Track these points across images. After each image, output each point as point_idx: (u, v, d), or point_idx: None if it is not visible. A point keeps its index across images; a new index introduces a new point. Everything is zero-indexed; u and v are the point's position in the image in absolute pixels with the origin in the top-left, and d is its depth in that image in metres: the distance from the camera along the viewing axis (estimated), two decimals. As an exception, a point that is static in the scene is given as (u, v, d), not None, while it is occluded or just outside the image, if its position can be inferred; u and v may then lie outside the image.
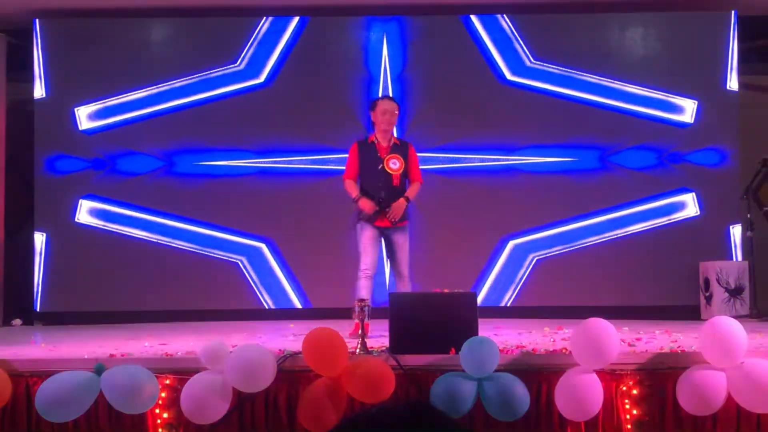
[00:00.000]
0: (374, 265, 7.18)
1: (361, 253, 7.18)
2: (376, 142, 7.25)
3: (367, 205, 7.09)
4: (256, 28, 9.24)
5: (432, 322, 5.64)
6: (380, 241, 7.23)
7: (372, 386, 5.18)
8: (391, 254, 7.23)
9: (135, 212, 9.14)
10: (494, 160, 9.16)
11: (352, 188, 7.21)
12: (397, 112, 7.28)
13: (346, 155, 9.00)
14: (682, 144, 9.08)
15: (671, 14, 9.22)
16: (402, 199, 7.13)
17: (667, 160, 9.09)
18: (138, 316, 8.80)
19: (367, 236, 7.16)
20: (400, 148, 7.28)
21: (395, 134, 7.43)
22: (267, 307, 9.08)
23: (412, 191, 7.25)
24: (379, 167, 7.14)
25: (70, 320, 8.85)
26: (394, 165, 7.13)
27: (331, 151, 9.08)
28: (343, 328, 5.96)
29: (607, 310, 6.60)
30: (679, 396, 5.25)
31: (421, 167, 8.97)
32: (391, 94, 9.14)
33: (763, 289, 8.68)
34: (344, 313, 6.49)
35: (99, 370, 5.31)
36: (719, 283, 8.56)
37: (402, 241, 7.18)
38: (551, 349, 5.75)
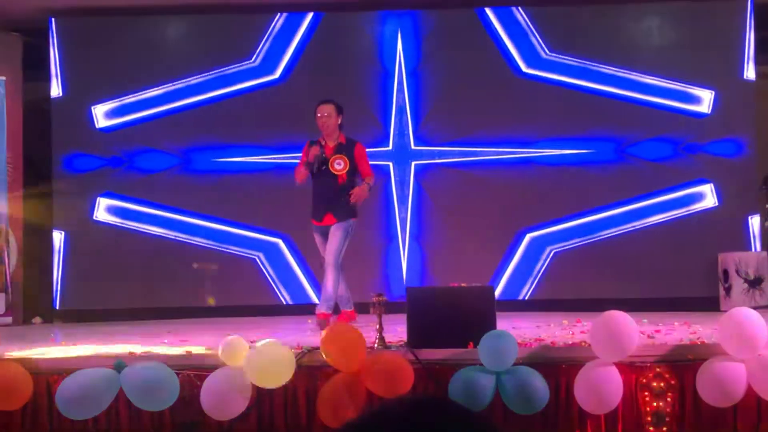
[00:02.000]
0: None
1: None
2: (323, 143, 7.37)
3: (311, 154, 7.27)
4: (271, 24, 9.24)
5: (450, 316, 5.65)
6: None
7: (391, 381, 5.19)
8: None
9: (152, 209, 9.16)
10: (511, 153, 9.14)
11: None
12: (333, 113, 7.35)
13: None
14: (699, 134, 9.03)
15: (687, 4, 9.17)
16: (364, 185, 7.36)
17: (685, 151, 9.05)
18: (157, 313, 8.83)
19: (317, 240, 7.50)
20: (346, 147, 7.39)
21: (343, 133, 7.47)
22: (285, 303, 9.10)
23: (368, 181, 7.43)
24: (323, 168, 7.28)
25: (89, 318, 8.88)
26: (339, 165, 7.28)
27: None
28: (362, 323, 5.96)
29: (625, 303, 6.57)
30: (699, 388, 5.23)
31: (437, 161, 9.02)
32: (405, 89, 9.16)
33: (783, 279, 8.63)
34: (362, 308, 6.50)
35: (119, 367, 5.34)
36: (738, 273, 8.52)
37: (334, 230, 7.31)
38: (570, 342, 5.74)
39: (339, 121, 7.38)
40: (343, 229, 7.32)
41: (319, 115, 7.34)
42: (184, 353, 5.78)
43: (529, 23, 9.15)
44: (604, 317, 5.31)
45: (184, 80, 9.20)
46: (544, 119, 9.10)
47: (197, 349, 5.90)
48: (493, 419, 5.19)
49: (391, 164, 9.18)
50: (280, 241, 9.10)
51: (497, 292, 8.41)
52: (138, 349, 5.99)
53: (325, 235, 7.38)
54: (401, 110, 9.18)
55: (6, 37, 9.24)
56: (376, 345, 5.66)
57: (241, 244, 9.16)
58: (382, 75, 9.24)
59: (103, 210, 9.17)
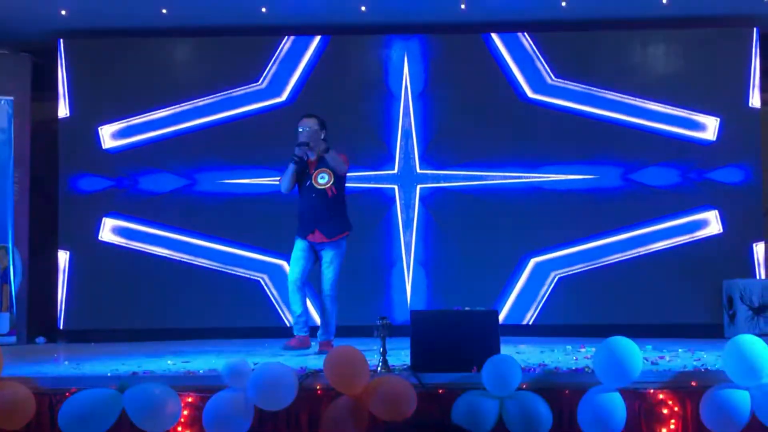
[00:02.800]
0: (302, 277, 7.12)
1: (291, 265, 7.20)
2: (306, 158, 7.14)
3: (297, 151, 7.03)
4: (278, 47, 9.29)
5: (454, 340, 5.64)
6: (311, 255, 7.17)
7: (394, 404, 5.17)
8: (320, 269, 7.19)
9: (158, 230, 9.19)
10: (516, 177, 9.15)
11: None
12: (315, 126, 7.06)
13: (368, 173, 9.07)
14: (704, 161, 9.04)
15: (693, 31, 9.20)
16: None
17: (690, 178, 9.06)
18: (161, 334, 8.83)
19: (298, 248, 7.16)
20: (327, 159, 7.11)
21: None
22: (289, 325, 9.04)
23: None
24: (307, 183, 7.10)
25: (93, 338, 8.89)
26: (322, 180, 7.07)
27: (352, 169, 9.04)
28: (365, 346, 5.95)
29: (629, 328, 6.57)
30: (702, 415, 5.21)
31: (443, 184, 9.06)
32: (411, 113, 9.19)
33: (788, 307, 8.63)
34: (365, 331, 6.49)
35: (122, 387, 5.33)
36: (743, 301, 8.51)
37: (329, 261, 7.12)
38: (574, 368, 5.72)
39: (322, 136, 7.09)
40: (338, 256, 7.15)
41: (300, 129, 7.09)
42: (187, 374, 5.77)
43: (535, 49, 9.19)
44: (608, 343, 5.30)
45: (192, 102, 9.25)
46: (549, 144, 9.12)
47: (200, 370, 5.89)
48: (495, 444, 5.17)
49: (396, 187, 9.20)
50: (284, 263, 9.07)
51: (501, 317, 8.45)
52: (141, 369, 5.98)
53: (309, 250, 7.14)
54: (407, 134, 9.21)
55: (16, 57, 9.29)
56: (379, 368, 5.65)
57: (246, 266, 9.17)
58: (389, 98, 9.27)
59: (108, 230, 9.19)
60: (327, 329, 7.22)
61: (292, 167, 7.07)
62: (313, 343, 7.17)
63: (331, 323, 7.23)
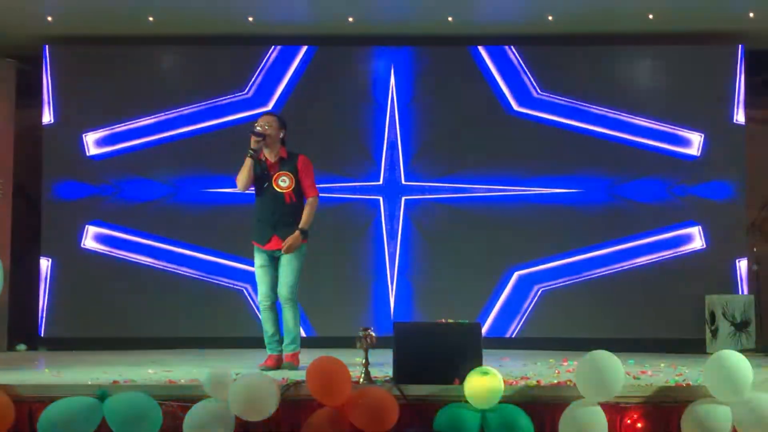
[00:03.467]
0: (271, 294, 6.83)
1: (257, 284, 6.90)
2: (264, 158, 6.82)
3: (252, 142, 6.72)
4: (265, 56, 9.28)
5: (436, 353, 5.64)
6: (273, 267, 6.83)
7: (375, 416, 5.17)
8: (279, 274, 6.81)
9: (141, 239, 9.15)
10: (501, 190, 9.16)
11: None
12: (274, 124, 6.79)
13: (353, 183, 9.00)
14: (688, 177, 9.08)
15: (678, 48, 9.24)
16: (296, 233, 6.69)
17: (674, 193, 9.09)
18: (142, 343, 8.78)
19: (258, 264, 6.85)
20: (288, 162, 6.80)
21: (285, 147, 6.91)
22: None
23: (305, 217, 6.76)
24: (265, 185, 6.77)
25: (74, 346, 8.83)
26: (284, 183, 6.72)
27: (338, 180, 9.10)
28: (348, 357, 5.94)
29: (612, 343, 6.56)
30: (683, 430, 5.22)
31: (428, 196, 9.01)
32: (397, 124, 9.20)
33: (770, 323, 8.66)
34: (348, 342, 6.47)
35: (102, 396, 5.31)
36: (725, 316, 8.54)
37: (287, 261, 6.74)
38: (556, 381, 5.73)
39: (281, 135, 6.81)
40: (297, 260, 6.75)
41: (259, 123, 6.79)
42: (168, 383, 5.75)
43: (522, 62, 9.21)
44: (590, 357, 5.31)
45: (177, 110, 9.22)
46: (534, 158, 9.14)
47: (181, 380, 5.87)
48: (477, 457, 5.17)
49: (381, 199, 9.20)
50: (268, 273, 9.07)
51: (484, 329, 8.44)
52: (122, 378, 5.95)
53: (270, 261, 6.80)
54: (393, 145, 9.21)
55: (0, 63, 9.26)
56: (361, 380, 5.64)
57: (229, 275, 9.14)
58: (375, 110, 9.28)
59: (91, 238, 9.15)
60: (293, 339, 6.77)
61: (248, 162, 6.74)
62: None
63: (295, 332, 6.77)
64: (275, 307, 6.87)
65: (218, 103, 9.23)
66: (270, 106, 9.18)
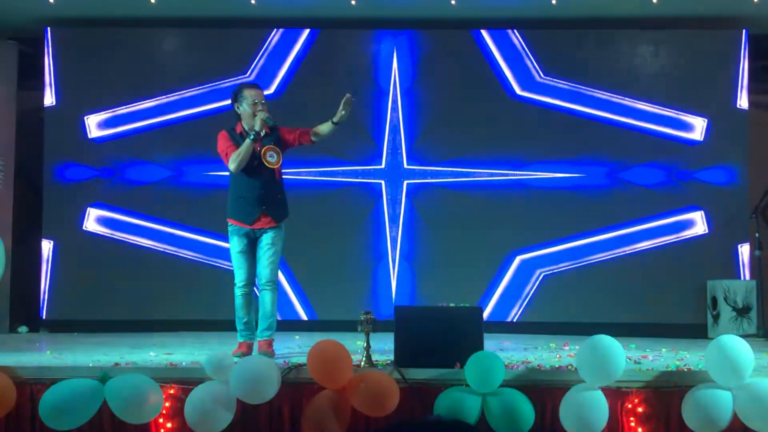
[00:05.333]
0: (251, 279, 6.56)
1: (234, 268, 6.57)
2: (244, 134, 6.50)
3: (258, 122, 6.42)
4: (267, 39, 9.26)
5: (438, 336, 5.65)
6: (253, 249, 6.53)
7: (376, 399, 5.18)
8: (259, 256, 6.52)
9: (142, 221, 9.15)
10: (503, 174, 9.15)
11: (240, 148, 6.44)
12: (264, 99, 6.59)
13: (355, 167, 8.99)
14: (691, 162, 9.06)
15: (682, 32, 9.21)
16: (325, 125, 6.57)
17: (676, 178, 9.07)
18: (144, 325, 8.80)
19: (238, 249, 6.52)
20: (272, 136, 6.55)
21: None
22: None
23: (324, 125, 6.62)
24: (255, 163, 6.44)
25: (75, 328, 8.84)
26: (272, 158, 6.43)
27: (340, 164, 9.09)
28: (349, 341, 5.94)
29: (613, 327, 6.58)
30: (684, 414, 5.23)
31: (430, 180, 9.03)
32: (400, 108, 9.17)
33: (771, 308, 8.66)
34: (350, 326, 6.48)
35: (103, 378, 5.31)
36: (726, 301, 8.54)
37: (271, 241, 6.47)
38: (557, 366, 5.73)
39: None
40: (281, 240, 6.51)
41: (253, 101, 6.48)
42: (169, 366, 5.76)
43: (525, 46, 9.18)
44: (591, 341, 5.31)
45: (179, 93, 9.20)
46: (536, 142, 9.12)
47: (183, 363, 5.88)
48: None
49: (383, 182, 9.18)
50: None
51: (486, 313, 8.44)
52: (123, 360, 5.96)
53: (249, 244, 6.49)
54: (395, 129, 9.19)
55: (2, 44, 9.24)
56: (362, 363, 5.64)
57: (230, 258, 9.11)
58: (377, 93, 9.25)
59: (92, 220, 9.14)
60: (269, 325, 6.49)
61: (250, 144, 6.39)
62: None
63: (272, 318, 6.50)
64: (252, 293, 6.59)
65: (220, 86, 9.20)
66: (272, 90, 9.16)
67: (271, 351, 6.41)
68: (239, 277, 6.52)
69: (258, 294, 6.62)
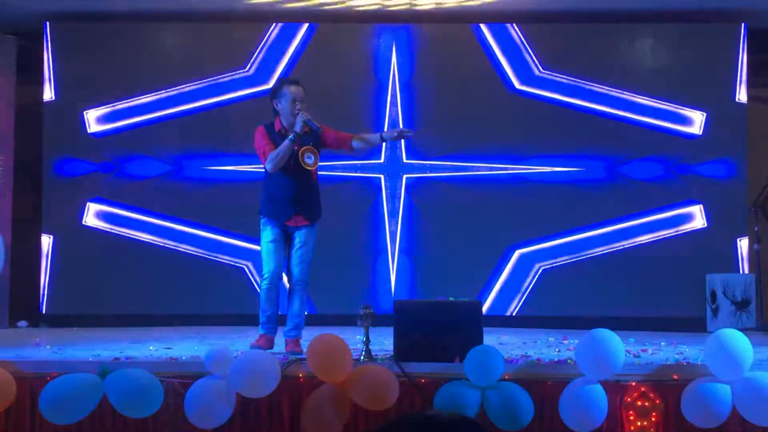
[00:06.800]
0: (281, 271, 6.47)
1: (264, 259, 6.44)
2: (283, 132, 6.35)
3: (297, 122, 6.23)
4: (266, 34, 9.25)
5: (437, 330, 5.65)
6: (285, 245, 6.44)
7: (376, 393, 5.19)
8: (292, 254, 6.43)
9: (142, 216, 9.15)
10: (502, 168, 9.15)
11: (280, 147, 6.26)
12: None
13: (354, 161, 8.96)
14: (690, 156, 9.06)
15: (681, 26, 9.21)
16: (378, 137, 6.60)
17: (675, 172, 9.08)
18: (143, 320, 8.80)
19: (270, 239, 6.40)
20: (311, 135, 6.34)
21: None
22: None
23: (371, 136, 6.67)
24: (291, 162, 6.27)
25: (75, 323, 8.85)
26: (309, 159, 6.26)
27: (339, 158, 9.08)
28: (348, 335, 5.95)
29: (612, 321, 6.59)
30: (683, 408, 5.24)
31: (429, 174, 9.03)
32: (399, 102, 9.17)
33: (770, 302, 8.68)
34: (349, 320, 6.49)
35: (103, 373, 5.32)
36: (726, 295, 8.55)
37: (305, 239, 6.40)
38: (556, 359, 5.74)
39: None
40: (314, 238, 6.42)
41: (293, 99, 6.28)
42: (169, 360, 5.77)
43: (524, 40, 9.17)
44: (590, 335, 5.32)
45: (178, 87, 9.19)
46: (535, 136, 9.12)
47: (183, 357, 5.89)
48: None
49: (382, 177, 9.19)
50: (269, 251, 9.08)
51: (485, 308, 8.45)
52: (123, 355, 5.97)
53: (282, 238, 6.39)
54: (394, 123, 9.18)
55: (0, 39, 9.23)
56: (362, 357, 5.65)
57: (230, 253, 9.15)
58: (376, 87, 9.25)
59: (92, 215, 9.14)
60: (296, 325, 6.42)
61: (290, 145, 6.21)
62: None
63: (301, 317, 6.43)
64: (279, 287, 6.49)
65: (219, 81, 9.20)
66: (271, 84, 9.14)
67: (299, 350, 6.22)
68: (267, 268, 6.39)
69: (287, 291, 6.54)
